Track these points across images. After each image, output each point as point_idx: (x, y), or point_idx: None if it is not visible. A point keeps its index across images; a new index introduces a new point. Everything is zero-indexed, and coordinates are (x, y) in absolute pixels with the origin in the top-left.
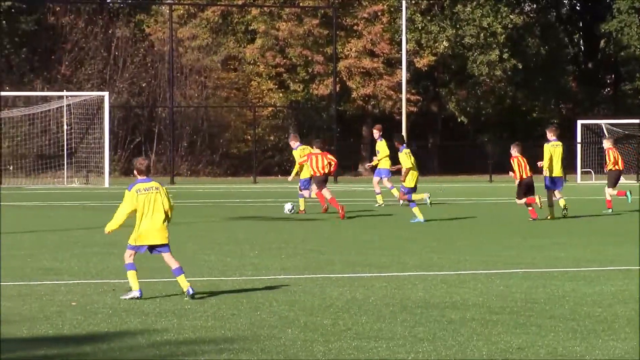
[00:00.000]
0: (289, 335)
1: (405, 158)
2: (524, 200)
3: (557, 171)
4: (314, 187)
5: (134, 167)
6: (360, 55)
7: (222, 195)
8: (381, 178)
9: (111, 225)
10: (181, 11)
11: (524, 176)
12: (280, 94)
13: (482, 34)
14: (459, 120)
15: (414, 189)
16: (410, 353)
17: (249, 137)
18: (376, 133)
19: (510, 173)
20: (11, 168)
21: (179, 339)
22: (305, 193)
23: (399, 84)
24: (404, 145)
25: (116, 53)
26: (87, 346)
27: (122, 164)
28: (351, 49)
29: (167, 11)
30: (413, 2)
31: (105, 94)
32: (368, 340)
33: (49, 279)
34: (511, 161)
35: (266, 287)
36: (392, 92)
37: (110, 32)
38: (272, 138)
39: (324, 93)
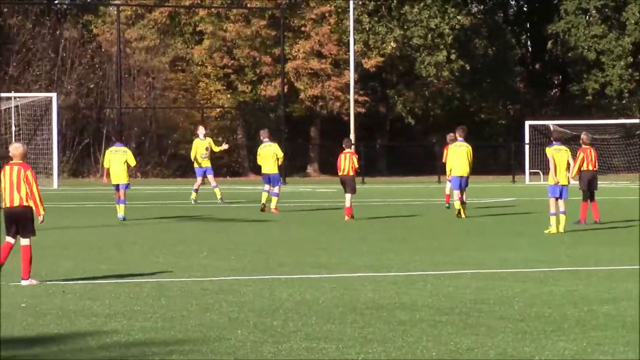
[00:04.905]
0: (238, 336)
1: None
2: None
3: (460, 171)
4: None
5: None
6: (308, 57)
7: (171, 196)
8: None
9: None
10: (129, 12)
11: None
12: (229, 95)
13: (429, 35)
14: (407, 121)
15: None
16: (360, 354)
17: None
18: None
19: None
20: None
21: (128, 341)
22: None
23: (347, 85)
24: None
25: (64, 54)
26: (37, 348)
27: (71, 165)
28: (299, 50)
29: (115, 12)
30: (360, 3)
31: (54, 95)
32: (318, 342)
33: None
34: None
35: (215, 289)
36: (340, 93)
37: (57, 33)
38: (220, 139)
39: (272, 94)
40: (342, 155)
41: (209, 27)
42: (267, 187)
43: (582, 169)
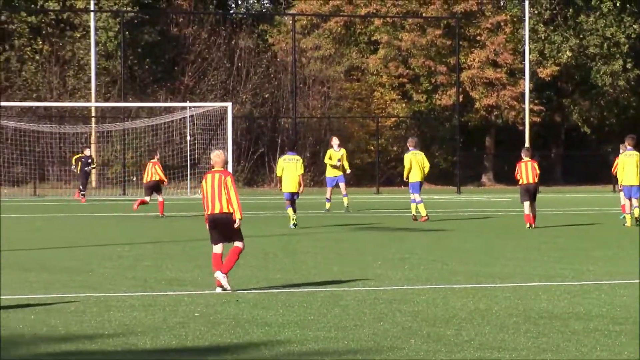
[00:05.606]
0: (412, 346)
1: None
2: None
3: (630, 180)
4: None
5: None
6: (483, 66)
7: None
8: None
9: None
10: (304, 22)
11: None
12: (403, 105)
13: (605, 44)
14: (582, 130)
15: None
16: None
17: (372, 147)
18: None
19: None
20: (134, 179)
21: (302, 350)
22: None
23: (522, 94)
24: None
25: (239, 64)
26: (210, 357)
27: (246, 174)
28: (474, 60)
29: (290, 22)
30: (536, 12)
31: (229, 104)
32: (491, 351)
33: (172, 290)
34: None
35: (389, 298)
36: (515, 103)
37: (233, 42)
38: (395, 149)
39: (446, 103)
40: (523, 164)
41: (384, 37)
42: (413, 196)
43: None
